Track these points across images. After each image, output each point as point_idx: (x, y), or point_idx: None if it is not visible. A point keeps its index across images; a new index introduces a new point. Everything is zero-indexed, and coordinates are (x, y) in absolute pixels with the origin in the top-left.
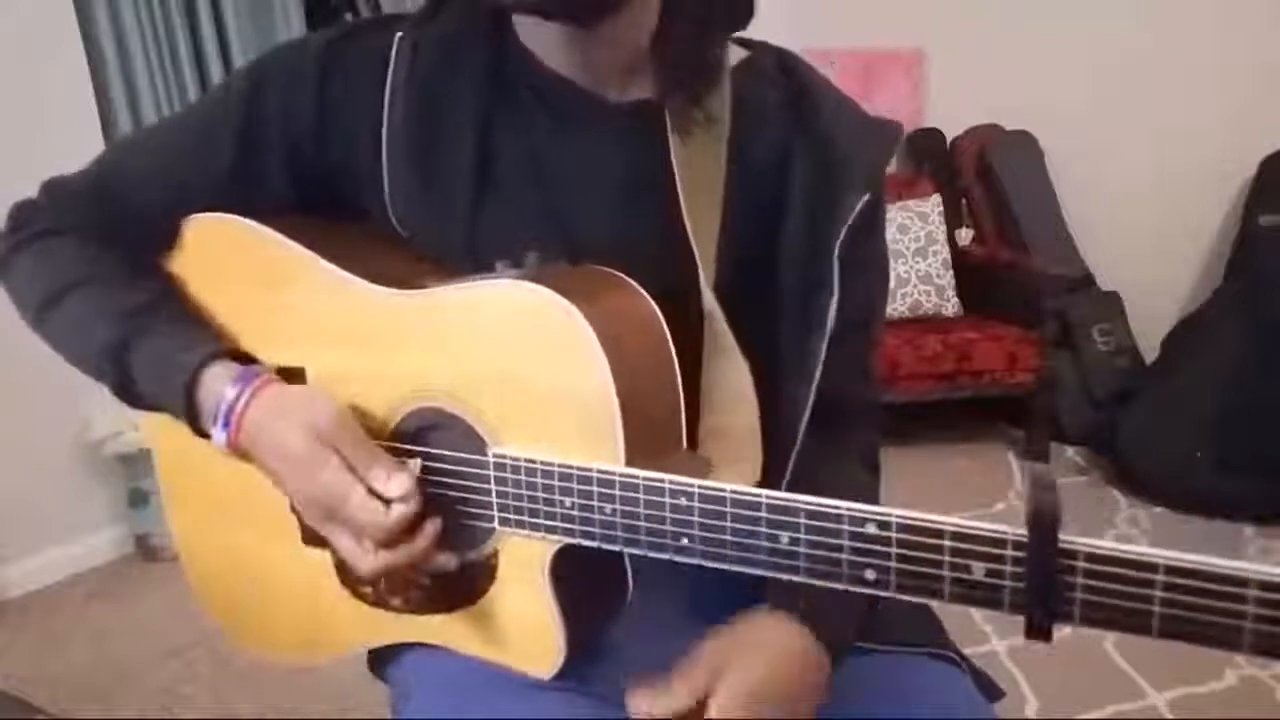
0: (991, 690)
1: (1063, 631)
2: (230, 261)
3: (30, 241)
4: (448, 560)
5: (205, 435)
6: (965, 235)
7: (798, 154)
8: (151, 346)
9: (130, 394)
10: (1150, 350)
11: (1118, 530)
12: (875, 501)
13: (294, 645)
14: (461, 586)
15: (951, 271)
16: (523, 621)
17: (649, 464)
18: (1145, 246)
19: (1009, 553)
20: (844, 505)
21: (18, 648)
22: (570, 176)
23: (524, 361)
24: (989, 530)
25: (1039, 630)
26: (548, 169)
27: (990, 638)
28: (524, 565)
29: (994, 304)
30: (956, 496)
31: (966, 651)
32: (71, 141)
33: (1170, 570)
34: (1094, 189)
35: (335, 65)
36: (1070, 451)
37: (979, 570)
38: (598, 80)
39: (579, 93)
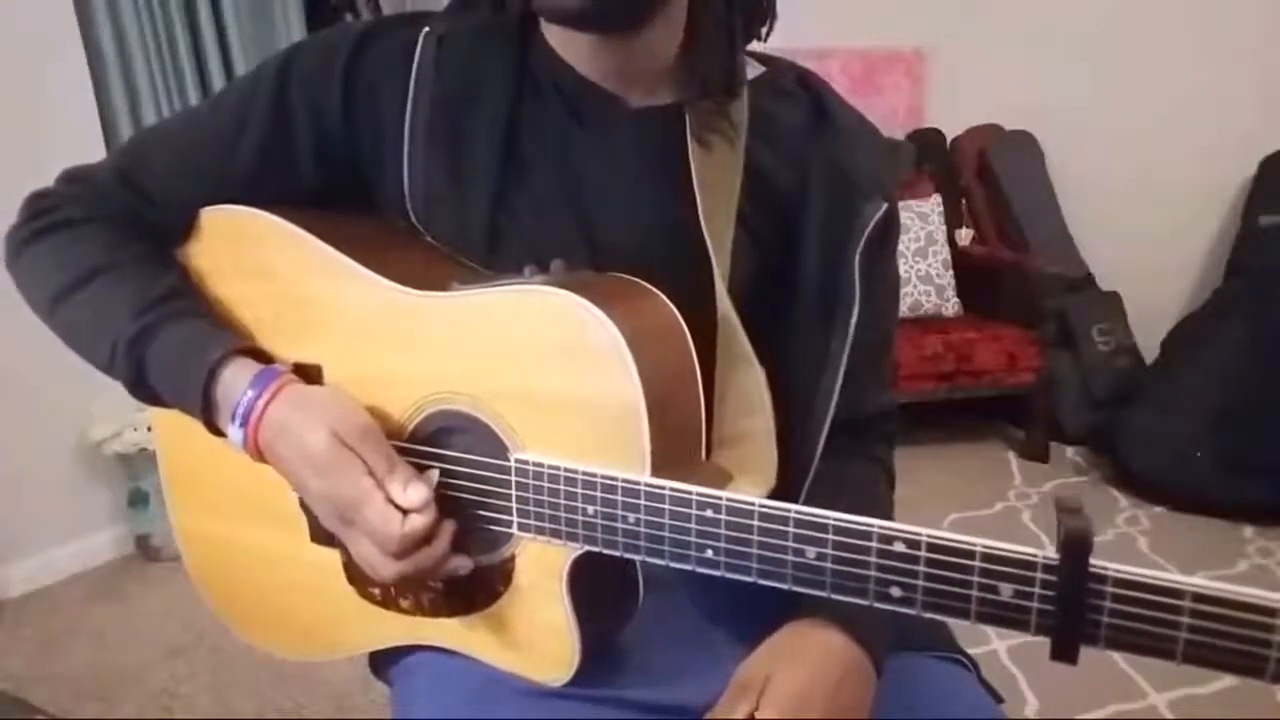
0: (992, 696)
1: None
2: (245, 254)
3: (49, 231)
4: (463, 564)
5: (220, 433)
6: (965, 235)
7: (815, 168)
8: (168, 341)
9: (142, 388)
10: (1150, 350)
11: (1118, 530)
12: (890, 505)
13: (299, 643)
14: (476, 590)
15: (951, 271)
16: (538, 627)
17: (671, 473)
18: (1145, 246)
19: (1038, 575)
20: (874, 523)
21: (18, 648)
22: (590, 178)
23: (551, 368)
24: (1019, 553)
25: (1065, 653)
26: (568, 169)
27: (990, 638)
28: (541, 570)
29: (994, 304)
30: (956, 496)
31: (967, 651)
32: (72, 141)
33: (1197, 598)
34: (1094, 189)
35: (362, 56)
36: (1070, 451)
37: (1007, 591)
38: (621, 85)
39: (602, 95)
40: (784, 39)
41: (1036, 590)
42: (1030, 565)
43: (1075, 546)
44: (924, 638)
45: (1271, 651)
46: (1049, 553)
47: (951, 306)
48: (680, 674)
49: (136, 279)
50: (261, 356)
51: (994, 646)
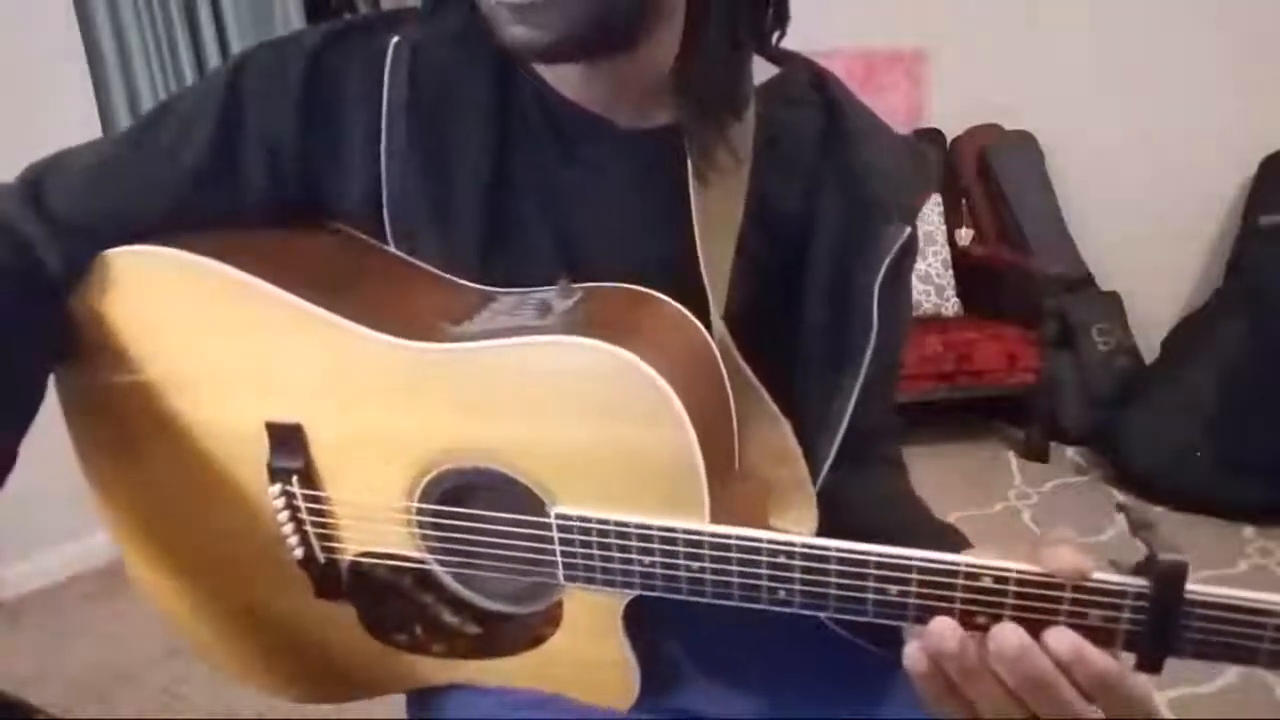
0: None
1: None
2: (184, 305)
3: None
4: None
5: None
6: (965, 235)
7: (829, 185)
8: None
9: None
10: (1150, 350)
11: (1119, 529)
12: (906, 492)
13: (320, 693)
14: (519, 633)
15: (951, 271)
16: (594, 665)
17: (719, 497)
18: (1145, 246)
19: (1128, 602)
20: (960, 561)
21: (18, 648)
22: (581, 207)
23: (589, 421)
24: (1112, 583)
25: (1151, 667)
26: (558, 197)
27: None
28: (593, 613)
29: (994, 304)
30: (956, 496)
31: None
32: (71, 143)
33: None
34: (1094, 189)
35: (318, 74)
36: (1070, 451)
37: (1095, 617)
38: (609, 106)
39: (588, 119)
40: (785, 38)
41: (1125, 615)
42: (1121, 594)
43: (1172, 582)
44: None
45: None
46: (1138, 581)
47: (951, 306)
48: (713, 686)
49: None
50: None
51: None
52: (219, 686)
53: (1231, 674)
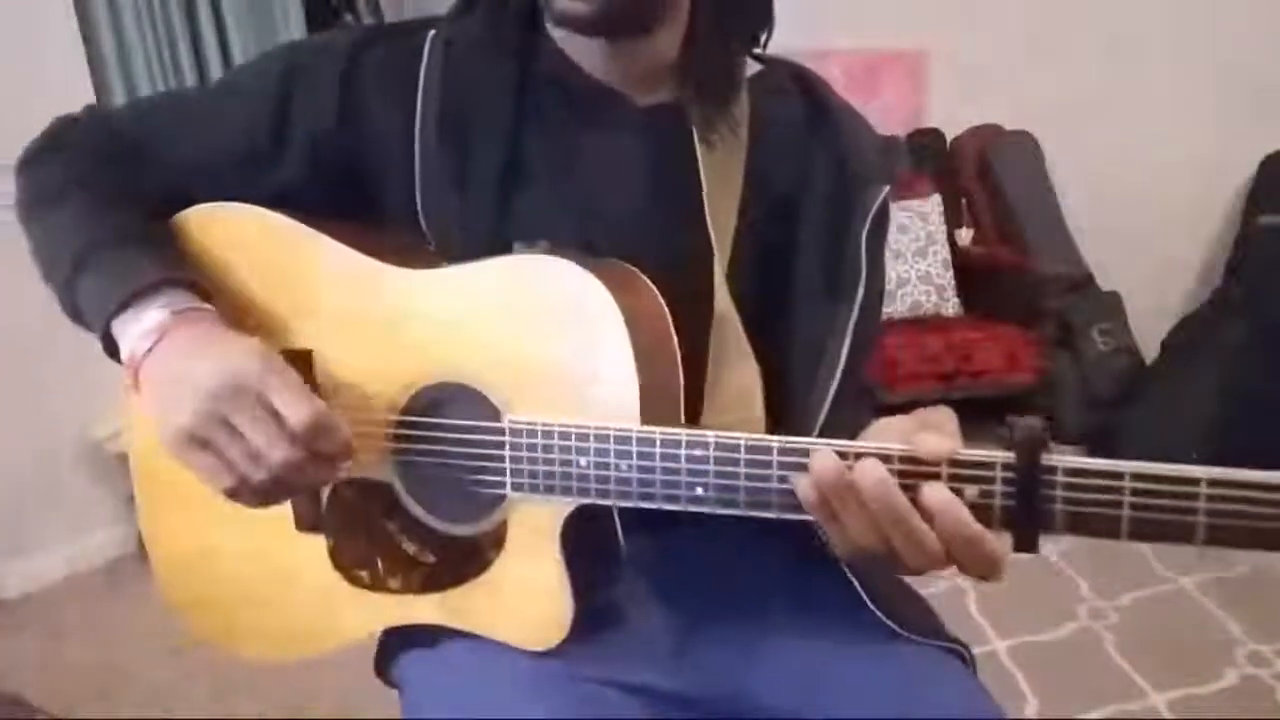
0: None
1: (1061, 631)
2: (231, 248)
3: (57, 151)
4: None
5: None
6: (965, 235)
7: (815, 161)
8: (109, 260)
9: (73, 305)
10: (1150, 350)
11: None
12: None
13: (288, 642)
14: (467, 560)
15: (951, 271)
16: (530, 589)
17: (651, 413)
18: (1145, 246)
19: (998, 473)
20: (851, 446)
21: (18, 648)
22: (596, 176)
23: (543, 331)
24: (980, 456)
25: (1027, 543)
26: (574, 168)
27: (990, 638)
28: (533, 532)
29: (994, 304)
30: None
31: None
32: None
33: (1135, 476)
34: (1094, 189)
35: (363, 64)
36: (1070, 451)
37: (972, 492)
38: (626, 84)
39: (608, 94)
40: (784, 39)
41: (998, 488)
42: (990, 465)
43: (1030, 444)
44: (927, 630)
45: (1199, 518)
46: (1003, 454)
47: (951, 306)
48: (680, 659)
49: (102, 210)
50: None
51: (994, 646)
52: (219, 686)
53: (1232, 675)
